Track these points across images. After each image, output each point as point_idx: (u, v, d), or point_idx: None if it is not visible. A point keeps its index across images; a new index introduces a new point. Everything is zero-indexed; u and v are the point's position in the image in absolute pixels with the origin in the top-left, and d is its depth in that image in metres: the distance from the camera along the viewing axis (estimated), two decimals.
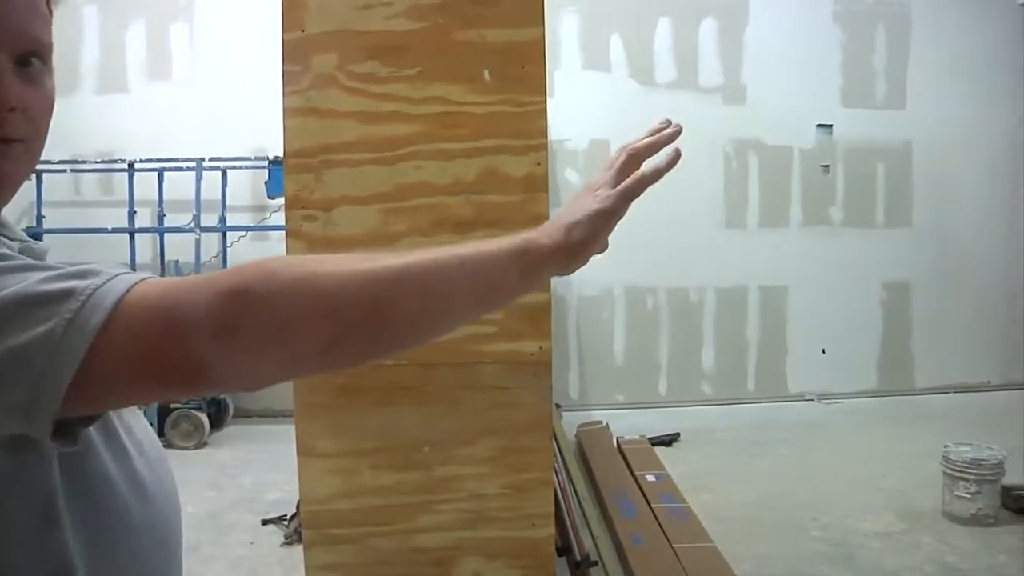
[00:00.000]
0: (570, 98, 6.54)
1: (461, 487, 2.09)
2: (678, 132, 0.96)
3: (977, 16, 7.50)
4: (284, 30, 2.06)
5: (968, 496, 4.29)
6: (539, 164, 2.04)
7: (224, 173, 6.21)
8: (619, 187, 0.90)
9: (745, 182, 6.95)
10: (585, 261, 0.89)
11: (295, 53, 2.08)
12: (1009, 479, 4.43)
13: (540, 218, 2.02)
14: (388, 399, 2.10)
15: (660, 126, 0.99)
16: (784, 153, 6.95)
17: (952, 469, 4.36)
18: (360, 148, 2.07)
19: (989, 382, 7.67)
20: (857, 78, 7.21)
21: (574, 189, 6.51)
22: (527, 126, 2.04)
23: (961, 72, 7.47)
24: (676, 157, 0.95)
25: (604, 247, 0.93)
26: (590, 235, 0.87)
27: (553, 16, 6.47)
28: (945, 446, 4.50)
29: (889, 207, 7.36)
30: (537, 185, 2.05)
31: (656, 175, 0.93)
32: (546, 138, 2.08)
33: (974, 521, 4.28)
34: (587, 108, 6.63)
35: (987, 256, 7.67)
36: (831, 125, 7.12)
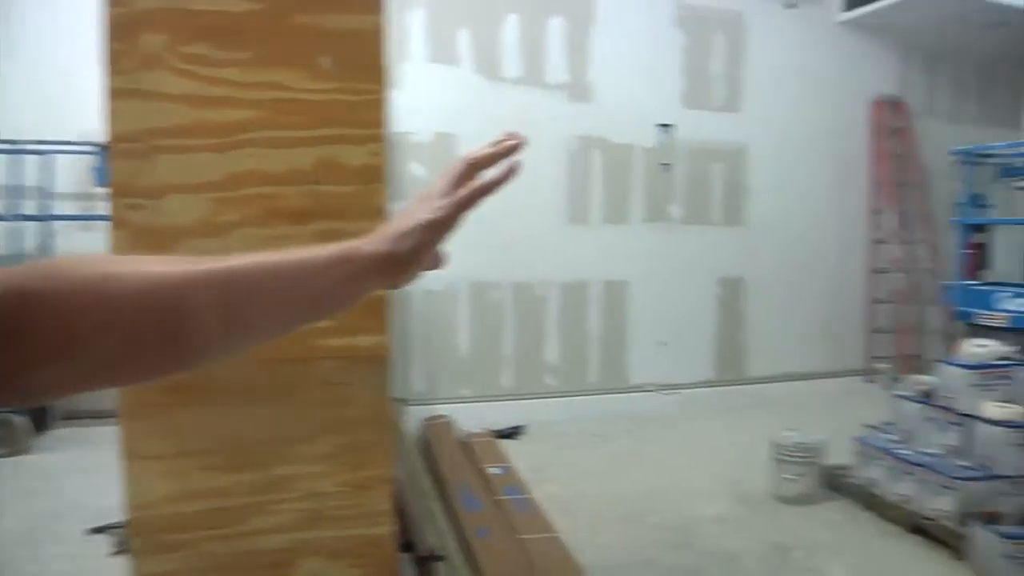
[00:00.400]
0: (416, 90, 6.49)
1: (298, 486, 2.02)
2: (519, 145, 0.93)
3: (803, 29, 7.96)
4: (109, 5, 1.93)
5: (795, 478, 4.55)
6: (376, 155, 1.99)
7: (47, 158, 5.83)
8: (453, 198, 0.87)
9: (589, 179, 7.09)
10: (414, 273, 0.86)
11: (121, 30, 1.94)
12: (828, 460, 4.71)
13: (377, 210, 1.98)
14: (221, 397, 2.00)
15: (502, 138, 0.94)
16: (626, 151, 7.15)
17: (780, 453, 4.59)
18: (190, 134, 1.96)
19: (815, 371, 8.14)
20: (697, 81, 7.49)
21: (419, 183, 6.47)
22: (365, 116, 1.99)
23: (790, 79, 7.91)
24: (513, 170, 0.92)
25: (439, 262, 0.90)
26: (418, 245, 0.84)
27: (400, 7, 6.40)
28: (774, 432, 4.74)
29: (725, 205, 7.69)
30: (374, 176, 2.00)
31: (491, 187, 0.89)
32: (384, 128, 2.03)
33: (799, 501, 4.54)
34: (433, 101, 6.59)
35: (814, 253, 8.15)
36: (672, 125, 7.36)
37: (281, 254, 0.78)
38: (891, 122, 8.37)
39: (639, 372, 7.36)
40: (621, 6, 7.14)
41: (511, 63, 6.82)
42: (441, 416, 5.85)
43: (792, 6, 7.86)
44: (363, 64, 2.01)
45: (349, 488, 2.04)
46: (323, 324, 1.97)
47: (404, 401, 5.75)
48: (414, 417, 5.78)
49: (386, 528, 2.09)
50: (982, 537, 3.67)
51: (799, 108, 7.99)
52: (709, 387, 7.47)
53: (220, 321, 0.74)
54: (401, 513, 2.96)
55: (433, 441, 5.26)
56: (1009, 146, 6.16)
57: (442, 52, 6.62)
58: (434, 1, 6.60)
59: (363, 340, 1.98)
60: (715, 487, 4.85)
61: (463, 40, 6.68)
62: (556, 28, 6.94)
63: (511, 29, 6.81)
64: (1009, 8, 6.53)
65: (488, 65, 6.75)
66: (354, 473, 2.03)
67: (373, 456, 2.04)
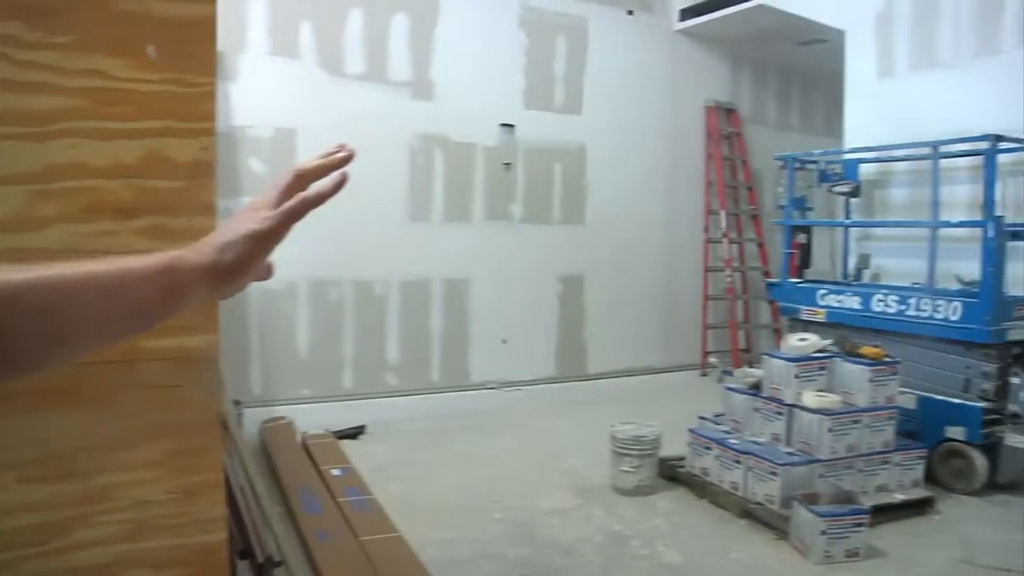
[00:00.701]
0: (255, 84, 6.30)
1: (123, 496, 1.91)
2: (350, 157, 0.93)
3: (642, 36, 8.24)
4: None
5: (631, 470, 4.69)
6: (206, 149, 1.91)
7: None
8: (280, 208, 0.85)
9: (431, 177, 7.07)
10: (239, 284, 0.84)
11: None
12: (665, 451, 4.89)
13: (206, 206, 1.90)
14: (38, 403, 1.87)
15: (333, 149, 0.94)
16: (469, 150, 7.18)
17: (618, 446, 4.73)
18: (2, 121, 1.83)
19: (652, 365, 8.44)
20: (539, 82, 7.61)
21: (258, 178, 6.29)
22: (194, 108, 1.90)
23: (629, 83, 8.16)
24: (342, 182, 0.92)
25: (267, 273, 0.89)
26: (244, 256, 0.82)
27: None
28: (612, 426, 4.88)
29: (565, 205, 7.85)
30: (203, 171, 1.92)
31: (320, 199, 0.89)
32: (215, 123, 1.95)
33: (637, 492, 4.69)
34: (273, 95, 6.40)
35: (652, 251, 8.44)
36: (514, 125, 7.45)
37: (102, 262, 0.75)
38: (723, 127, 8.79)
39: (481, 370, 7.41)
40: (465, 5, 7.17)
41: (354, 59, 6.71)
42: (280, 418, 5.71)
43: (632, 13, 8.12)
44: (194, 54, 1.92)
45: (179, 495, 1.95)
46: None
47: (241, 403, 5.58)
48: (252, 419, 5.62)
49: (219, 535, 2.01)
50: (802, 517, 3.90)
51: (637, 111, 8.26)
52: (550, 383, 7.61)
53: (41, 332, 0.70)
54: (238, 519, 2.87)
55: (271, 444, 5.13)
56: (825, 154, 6.56)
57: (283, 45, 6.44)
58: None
59: (192, 340, 1.89)
60: (556, 480, 4.95)
61: (305, 33, 6.51)
62: (400, 25, 6.89)
63: (354, 24, 6.70)
64: (825, 26, 6.97)
65: (331, 60, 6.62)
66: (184, 479, 1.94)
67: (204, 461, 1.95)
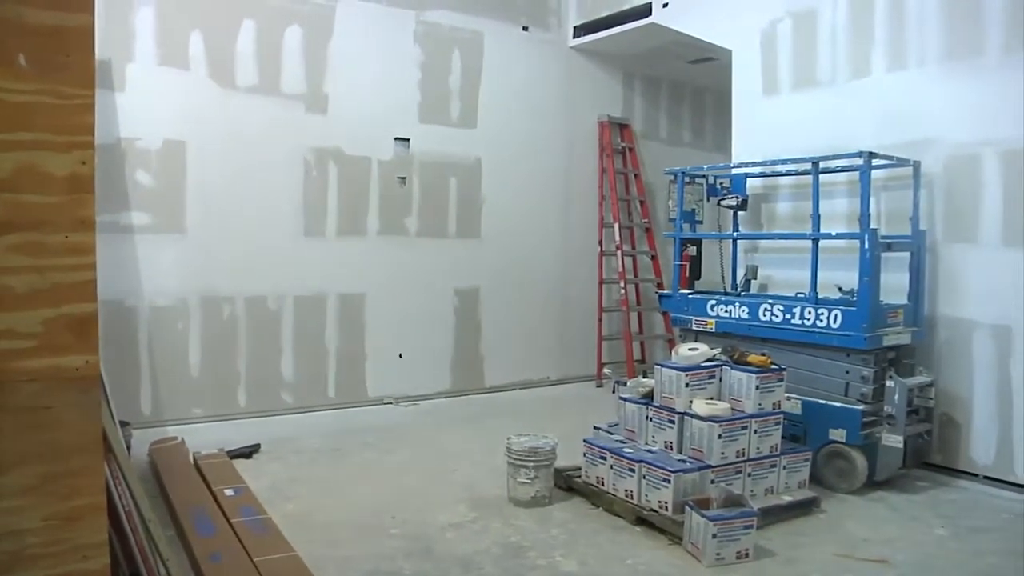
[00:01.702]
0: (143, 94, 6.13)
1: None
2: None
3: (537, 52, 8.36)
4: None
5: (528, 481, 4.72)
6: (85, 163, 1.86)
7: None
8: None
9: (325, 191, 6.99)
10: None
11: None
12: (560, 462, 4.94)
13: (85, 222, 1.84)
14: None
15: None
16: (363, 164, 7.12)
17: (514, 458, 4.76)
18: None
19: (548, 377, 8.53)
20: (434, 96, 7.62)
21: (146, 192, 6.12)
22: (71, 121, 1.84)
23: (524, 98, 8.25)
24: None
25: None
26: None
27: (126, 5, 6.02)
28: (507, 438, 4.91)
29: (461, 219, 7.87)
30: (83, 186, 1.86)
31: None
32: (93, 135, 1.89)
33: (533, 503, 4.72)
34: (162, 106, 6.22)
35: (545, 264, 8.53)
36: (409, 139, 7.44)
37: None
38: (617, 142, 8.97)
39: (377, 385, 7.35)
40: (360, 18, 7.13)
41: (246, 70, 6.58)
42: (172, 438, 5.54)
43: (527, 29, 8.23)
44: (70, 65, 1.86)
45: (57, 521, 1.88)
46: (23, 344, 1.81)
47: (129, 424, 5.39)
48: (142, 440, 5.44)
49: (100, 561, 1.94)
50: (694, 521, 4.00)
51: (532, 126, 8.36)
52: (447, 397, 7.61)
53: None
54: (124, 543, 2.78)
55: (162, 465, 4.97)
56: (713, 168, 6.76)
57: (172, 55, 6.27)
58: (164, 0, 6.24)
59: (70, 360, 1.83)
60: (453, 494, 4.95)
61: (195, 43, 6.36)
62: (294, 36, 6.79)
63: (247, 35, 6.58)
64: (714, 46, 7.20)
65: (222, 71, 6.48)
66: (62, 504, 1.87)
67: (84, 484, 1.88)
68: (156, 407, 6.27)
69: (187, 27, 6.32)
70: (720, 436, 4.42)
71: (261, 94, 6.62)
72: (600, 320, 8.82)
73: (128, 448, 4.78)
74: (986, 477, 5.30)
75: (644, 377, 6.35)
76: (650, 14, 7.65)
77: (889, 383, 5.03)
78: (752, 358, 4.79)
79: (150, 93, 6.16)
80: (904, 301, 5.44)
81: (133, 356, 6.18)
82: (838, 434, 5.06)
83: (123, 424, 4.89)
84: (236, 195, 6.46)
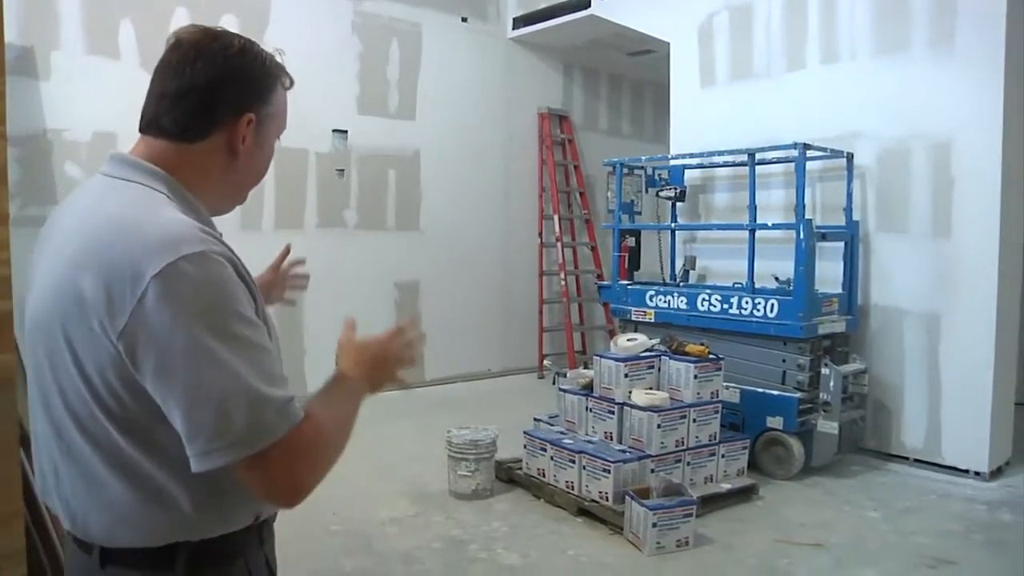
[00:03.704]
0: (71, 84, 5.93)
1: None
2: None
3: (477, 43, 8.33)
4: None
5: (469, 474, 4.71)
6: None
7: None
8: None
9: (261, 183, 6.80)
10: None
11: None
12: (501, 454, 4.94)
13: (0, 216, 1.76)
14: None
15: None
16: (300, 156, 7.00)
17: (454, 451, 4.74)
18: None
19: (489, 370, 8.51)
20: (372, 87, 7.54)
21: (76, 185, 5.93)
22: None
23: (464, 89, 8.22)
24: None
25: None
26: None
27: None
28: (448, 431, 4.88)
29: (400, 211, 7.81)
30: None
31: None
32: (5, 125, 1.81)
33: (474, 496, 4.71)
34: (91, 96, 6.02)
35: (485, 257, 8.51)
36: (347, 131, 7.35)
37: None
38: (556, 134, 8.98)
39: (317, 380, 7.00)
40: (297, 8, 7.00)
41: None
42: None
43: (466, 20, 8.19)
44: None
45: None
46: None
47: None
48: None
49: (17, 570, 1.86)
50: (634, 511, 4.03)
51: (472, 117, 8.33)
52: (388, 391, 7.50)
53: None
54: (50, 551, 2.69)
55: None
56: (651, 159, 6.80)
57: (101, 43, 6.08)
58: None
59: None
60: (395, 489, 4.91)
61: (126, 32, 6.17)
62: (228, 25, 6.49)
63: (179, 23, 6.37)
64: (653, 38, 7.24)
65: (154, 61, 6.21)
66: None
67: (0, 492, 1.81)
68: None
69: (116, 14, 6.14)
70: (659, 426, 4.45)
71: None
72: (541, 312, 8.83)
73: None
74: (916, 460, 5.44)
75: (584, 368, 6.37)
76: (589, 6, 7.67)
77: (825, 371, 5.12)
78: (690, 348, 4.83)
79: (78, 83, 5.97)
80: (838, 290, 5.54)
81: None
82: (775, 421, 5.14)
83: None
84: None
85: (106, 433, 1.16)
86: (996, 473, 5.21)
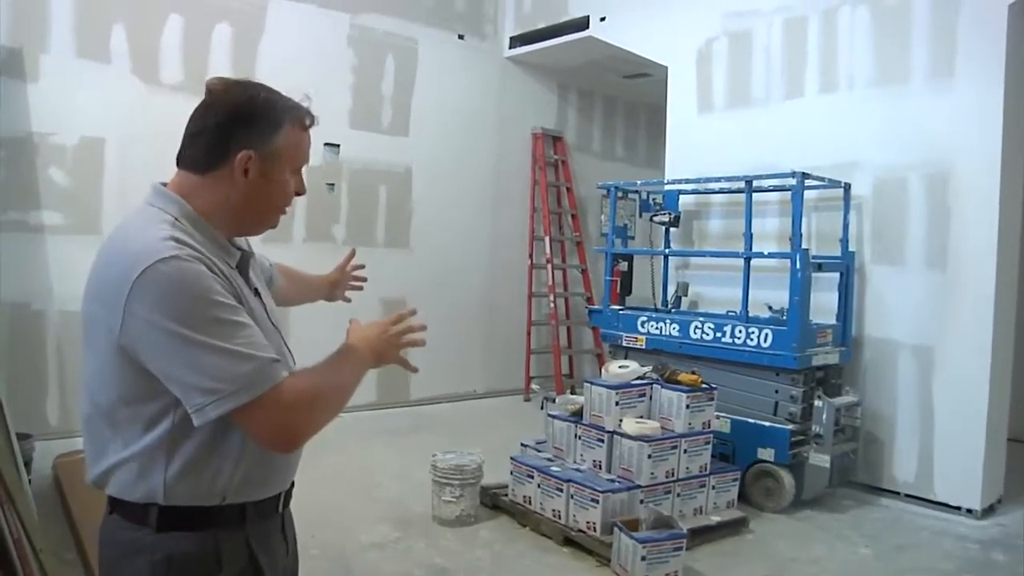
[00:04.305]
0: (59, 87, 5.84)
1: None
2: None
3: (472, 61, 8.28)
4: None
5: (453, 500, 4.59)
6: None
7: None
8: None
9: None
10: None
11: None
12: (487, 479, 4.83)
13: None
14: None
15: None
16: None
17: (439, 476, 4.62)
18: None
19: (475, 391, 8.41)
20: (366, 102, 7.47)
21: (60, 191, 5.84)
22: None
23: (458, 107, 8.16)
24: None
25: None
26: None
27: None
28: (433, 455, 4.77)
29: (390, 227, 7.72)
30: None
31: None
32: None
33: (459, 522, 4.60)
34: (80, 101, 5.92)
35: (474, 276, 8.42)
36: (339, 145, 7.27)
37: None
38: (549, 155, 8.91)
39: None
40: (293, 19, 6.94)
41: (172, 67, 6.34)
42: (79, 451, 5.24)
43: (462, 38, 8.13)
44: None
45: None
46: None
47: (32, 436, 5.09)
48: (45, 453, 5.14)
49: None
50: (623, 543, 3.92)
51: (465, 135, 8.26)
52: (372, 410, 7.37)
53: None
54: (15, 571, 2.57)
55: (66, 481, 4.69)
56: (647, 184, 6.75)
57: (92, 48, 5.98)
58: None
59: None
60: (376, 512, 4.79)
61: (118, 36, 6.08)
62: (223, 34, 6.57)
63: (173, 30, 6.34)
64: (650, 61, 7.20)
65: (146, 67, 6.22)
66: None
67: None
68: (64, 417, 5.96)
69: (109, 18, 6.05)
70: (650, 456, 4.36)
71: (187, 92, 6.35)
72: (529, 333, 8.73)
73: (29, 463, 4.51)
74: (907, 495, 5.37)
75: (572, 393, 6.29)
76: (587, 27, 7.63)
77: (818, 403, 5.05)
78: (683, 377, 4.74)
79: (67, 86, 5.87)
80: (832, 321, 5.47)
81: (40, 363, 5.88)
82: (766, 453, 5.05)
83: (24, 437, 4.60)
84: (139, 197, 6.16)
85: (111, 407, 1.48)
86: (988, 511, 5.14)
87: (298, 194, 1.66)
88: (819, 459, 4.99)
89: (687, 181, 6.22)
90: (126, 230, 1.52)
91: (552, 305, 8.64)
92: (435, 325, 7.68)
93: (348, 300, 2.53)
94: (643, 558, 3.79)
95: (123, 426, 1.47)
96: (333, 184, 7.28)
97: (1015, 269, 5.43)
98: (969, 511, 5.09)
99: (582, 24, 7.69)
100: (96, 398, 1.50)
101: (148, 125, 6.05)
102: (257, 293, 1.70)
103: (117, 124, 6.06)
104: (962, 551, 4.54)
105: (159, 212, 1.53)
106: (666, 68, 6.97)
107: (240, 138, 1.55)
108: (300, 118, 1.65)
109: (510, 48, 8.52)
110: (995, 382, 5.12)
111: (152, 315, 1.36)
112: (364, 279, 2.53)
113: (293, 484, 1.85)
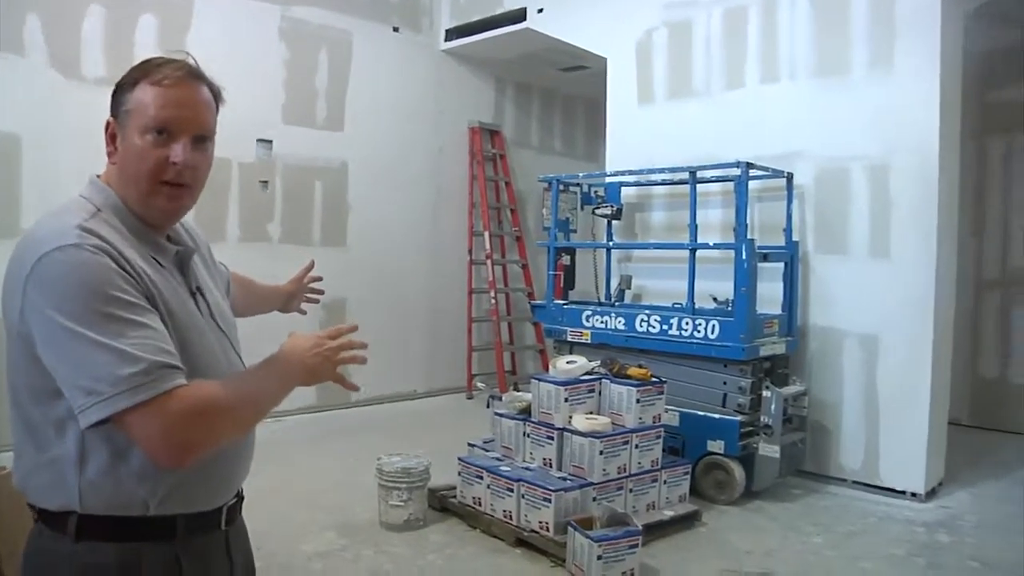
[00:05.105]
0: None
1: None
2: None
3: (408, 54, 8.12)
4: None
5: (401, 504, 4.45)
6: None
7: None
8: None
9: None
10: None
11: None
12: (434, 481, 4.70)
13: None
14: None
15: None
16: (223, 166, 6.61)
17: (385, 480, 4.48)
18: None
19: (416, 391, 8.26)
20: (299, 97, 7.26)
21: None
22: None
23: (394, 101, 8.00)
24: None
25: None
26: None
27: None
28: (378, 458, 4.62)
29: (326, 225, 7.53)
30: None
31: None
32: None
33: (407, 527, 4.46)
34: None
35: (413, 273, 8.27)
36: (271, 141, 7.05)
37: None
38: (487, 149, 8.79)
39: None
40: (221, 11, 6.68)
41: (93, 60, 6.04)
42: (1, 467, 4.98)
43: (397, 30, 7.97)
44: None
45: None
46: None
47: None
48: None
49: None
50: (578, 542, 3.83)
51: (402, 130, 8.10)
52: (312, 412, 7.18)
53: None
54: None
55: None
56: (588, 176, 6.68)
57: (5, 39, 5.67)
58: None
59: None
60: (320, 519, 4.63)
61: (32, 27, 5.76)
62: (147, 26, 6.29)
63: (94, 22, 6.03)
64: (588, 53, 7.14)
65: (65, 60, 5.92)
66: None
67: None
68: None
69: (22, 8, 5.73)
70: (602, 452, 4.27)
71: (110, 86, 6.05)
72: (470, 331, 8.61)
73: None
74: (854, 482, 5.40)
75: (516, 390, 6.19)
76: (524, 19, 7.53)
77: (766, 393, 5.02)
78: (632, 371, 4.67)
79: None
80: (778, 311, 5.47)
81: None
82: (716, 445, 5.02)
83: None
84: None
85: (24, 405, 1.42)
86: (931, 494, 5.20)
87: (173, 163, 1.48)
88: (769, 450, 4.97)
89: (630, 173, 6.16)
90: (44, 217, 1.45)
91: (493, 301, 8.52)
92: (375, 324, 7.55)
93: (304, 312, 2.47)
94: (599, 557, 3.71)
95: (37, 428, 1.41)
96: (267, 181, 7.06)
97: (953, 256, 5.49)
98: (914, 495, 5.14)
99: (519, 16, 7.58)
100: (16, 397, 1.44)
101: (68, 121, 5.77)
102: (199, 292, 1.61)
103: (34, 120, 5.76)
104: (910, 535, 4.57)
105: (84, 202, 1.47)
106: (605, 60, 6.91)
107: (112, 110, 1.51)
108: (148, 72, 1.50)
109: (446, 41, 8.38)
110: (937, 368, 5.18)
111: (44, 304, 1.31)
112: (321, 291, 2.49)
113: (242, 498, 1.66)
